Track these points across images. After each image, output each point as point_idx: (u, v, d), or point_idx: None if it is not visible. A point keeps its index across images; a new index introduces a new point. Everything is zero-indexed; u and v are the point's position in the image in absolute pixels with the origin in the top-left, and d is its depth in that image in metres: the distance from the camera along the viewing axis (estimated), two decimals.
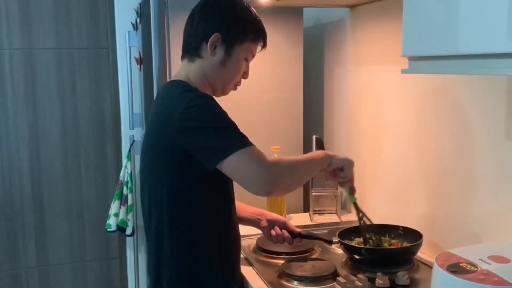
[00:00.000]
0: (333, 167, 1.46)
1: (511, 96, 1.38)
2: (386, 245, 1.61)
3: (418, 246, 1.57)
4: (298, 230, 1.68)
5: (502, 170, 1.42)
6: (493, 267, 1.08)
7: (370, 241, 1.61)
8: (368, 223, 1.62)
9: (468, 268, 1.09)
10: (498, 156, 1.44)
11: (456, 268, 1.09)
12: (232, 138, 1.27)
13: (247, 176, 1.26)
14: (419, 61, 1.17)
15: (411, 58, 1.19)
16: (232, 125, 1.30)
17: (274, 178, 1.27)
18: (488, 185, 1.48)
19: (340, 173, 1.48)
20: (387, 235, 1.67)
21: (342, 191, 2.13)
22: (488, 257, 1.12)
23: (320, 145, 2.14)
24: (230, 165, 1.25)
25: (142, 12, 2.33)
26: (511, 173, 1.39)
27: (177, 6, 2.07)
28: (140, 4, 2.38)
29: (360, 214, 1.61)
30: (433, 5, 1.10)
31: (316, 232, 1.81)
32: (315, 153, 1.50)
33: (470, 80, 1.52)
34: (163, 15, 2.07)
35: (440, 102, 1.67)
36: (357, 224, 1.63)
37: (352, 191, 1.56)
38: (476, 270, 1.07)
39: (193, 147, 1.29)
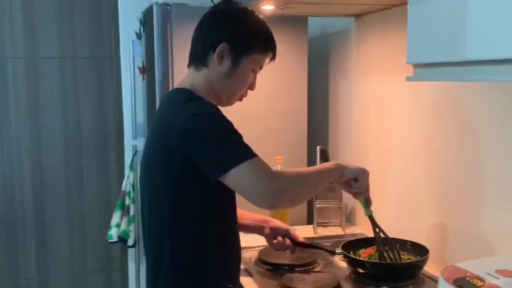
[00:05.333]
0: (346, 178, 1.42)
1: None
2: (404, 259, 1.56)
3: (424, 261, 1.53)
4: (301, 239, 1.64)
5: None
6: (500, 282, 1.04)
7: (386, 254, 1.55)
8: (383, 237, 1.55)
9: (474, 282, 1.05)
10: (508, 167, 1.40)
11: (463, 282, 1.06)
12: (236, 151, 1.23)
13: (251, 189, 1.22)
14: (424, 68, 1.14)
15: (416, 66, 1.16)
16: (236, 137, 1.26)
17: (279, 191, 1.22)
18: (498, 197, 1.43)
19: (355, 183, 1.44)
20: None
21: (353, 203, 2.09)
22: (495, 271, 1.09)
23: (325, 156, 2.10)
24: (233, 178, 1.21)
25: (146, 21, 2.31)
26: None
27: (180, 14, 2.06)
28: (143, 13, 2.37)
29: (377, 229, 1.54)
30: (438, 12, 1.08)
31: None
32: (325, 164, 1.46)
33: (478, 87, 1.49)
34: (166, 24, 2.06)
35: (447, 111, 1.63)
36: (362, 237, 1.58)
37: (367, 203, 1.50)
38: (483, 285, 1.04)
39: (196, 159, 1.26)
